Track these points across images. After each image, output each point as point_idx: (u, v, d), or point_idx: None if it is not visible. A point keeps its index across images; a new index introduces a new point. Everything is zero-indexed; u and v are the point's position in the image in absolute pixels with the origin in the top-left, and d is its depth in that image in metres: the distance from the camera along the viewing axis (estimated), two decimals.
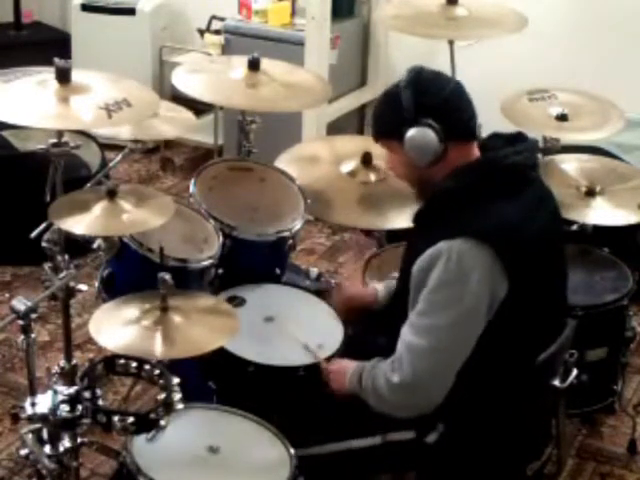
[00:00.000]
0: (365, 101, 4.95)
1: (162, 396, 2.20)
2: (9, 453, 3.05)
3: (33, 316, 2.22)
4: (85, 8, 5.15)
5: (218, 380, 2.53)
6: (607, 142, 3.74)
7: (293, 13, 4.68)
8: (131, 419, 2.15)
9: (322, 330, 2.63)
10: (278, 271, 2.89)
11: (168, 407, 2.19)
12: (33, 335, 2.23)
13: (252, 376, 2.45)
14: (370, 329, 2.67)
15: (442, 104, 2.28)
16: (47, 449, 2.20)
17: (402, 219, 2.84)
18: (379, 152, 2.55)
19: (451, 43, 3.38)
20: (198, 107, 3.36)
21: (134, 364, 2.29)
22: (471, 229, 2.20)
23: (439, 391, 2.23)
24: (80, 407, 2.17)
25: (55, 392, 2.18)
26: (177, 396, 2.21)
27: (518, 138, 2.38)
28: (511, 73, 4.32)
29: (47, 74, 2.43)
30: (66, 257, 2.53)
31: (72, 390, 2.18)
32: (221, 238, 2.77)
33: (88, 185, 2.81)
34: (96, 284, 2.76)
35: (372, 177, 3.07)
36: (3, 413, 3.19)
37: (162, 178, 4.95)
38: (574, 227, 3.08)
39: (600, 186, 3.13)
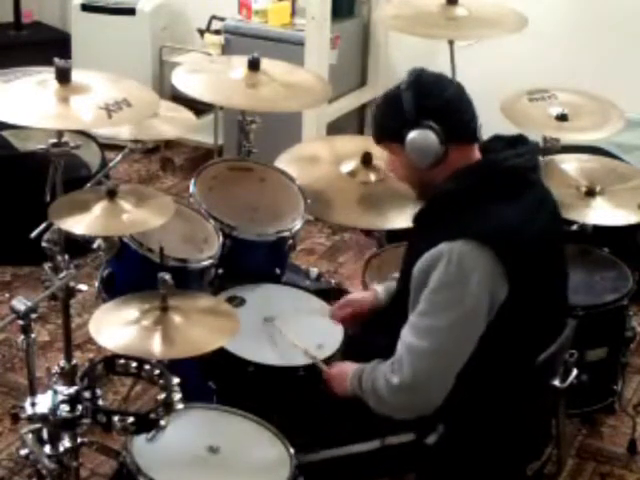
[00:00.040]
0: (365, 101, 4.95)
1: (162, 396, 2.20)
2: (9, 453, 3.05)
3: (33, 316, 2.22)
4: (85, 8, 5.15)
5: (218, 380, 2.53)
6: (607, 142, 3.74)
7: (293, 13, 4.68)
8: (131, 419, 2.15)
9: (322, 330, 2.63)
10: (278, 271, 2.89)
11: (168, 407, 2.19)
12: (33, 335, 2.23)
13: (252, 376, 2.45)
14: (370, 329, 2.67)
15: (443, 106, 2.28)
16: (47, 449, 2.20)
17: (402, 219, 2.84)
18: (379, 152, 2.55)
19: (451, 43, 3.37)
20: (198, 107, 3.36)
21: (134, 364, 2.29)
22: (472, 231, 2.20)
23: (439, 392, 2.23)
24: (80, 407, 2.17)
25: (55, 392, 2.18)
26: (177, 396, 2.21)
27: (519, 140, 2.37)
28: (511, 73, 4.32)
29: (47, 74, 2.43)
30: (66, 257, 2.53)
31: (72, 390, 2.18)
32: (221, 238, 2.77)
33: (88, 185, 2.81)
34: (96, 284, 2.77)
35: (372, 177, 3.07)
36: (3, 413, 3.19)
37: (162, 178, 4.95)
38: (574, 227, 3.08)
39: (600, 186, 3.14)
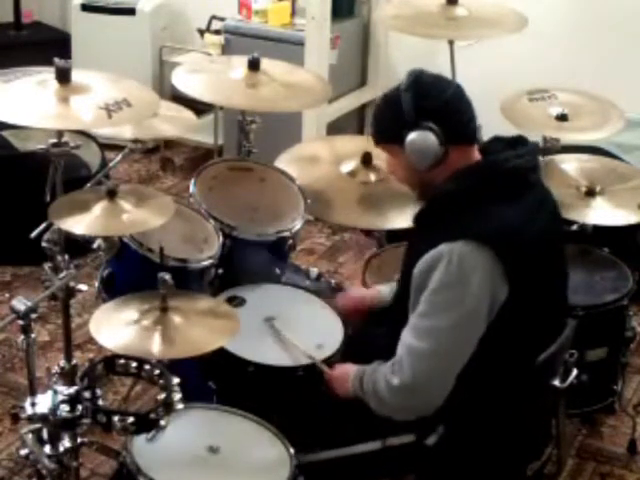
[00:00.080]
0: (365, 101, 4.95)
1: (162, 396, 2.20)
2: (9, 453, 3.05)
3: (33, 316, 2.22)
4: (85, 8, 5.15)
5: (218, 380, 2.53)
6: (607, 142, 3.74)
7: (293, 13, 4.68)
8: (131, 419, 2.15)
9: (322, 330, 2.63)
10: (278, 271, 2.89)
11: (168, 407, 2.19)
12: (33, 335, 2.23)
13: (252, 376, 2.45)
14: (370, 329, 2.67)
15: (442, 107, 2.28)
16: (47, 449, 2.20)
17: (402, 219, 2.84)
18: (379, 152, 2.55)
19: (451, 43, 3.37)
20: (198, 107, 3.36)
21: (134, 364, 2.29)
22: (472, 232, 2.20)
23: (439, 393, 2.23)
24: (80, 407, 2.17)
25: (55, 392, 2.18)
26: (177, 396, 2.21)
27: (519, 141, 2.37)
28: (511, 73, 4.32)
29: (47, 74, 2.43)
30: (66, 257, 2.53)
31: (72, 390, 2.18)
32: (221, 238, 2.77)
33: (88, 185, 2.81)
34: (96, 284, 2.76)
35: (372, 177, 3.07)
36: (3, 413, 3.19)
37: (162, 178, 4.95)
38: (574, 227, 3.08)
39: (600, 186, 3.13)
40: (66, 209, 2.38)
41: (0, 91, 2.39)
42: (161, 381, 2.24)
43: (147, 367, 2.28)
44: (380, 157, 2.78)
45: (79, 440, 2.23)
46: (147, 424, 2.17)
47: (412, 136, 2.27)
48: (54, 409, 2.16)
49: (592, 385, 2.97)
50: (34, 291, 3.43)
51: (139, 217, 2.39)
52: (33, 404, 2.18)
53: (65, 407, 2.17)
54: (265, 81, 3.01)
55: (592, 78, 4.02)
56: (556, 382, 2.45)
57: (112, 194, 2.39)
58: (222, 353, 2.37)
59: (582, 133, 3.18)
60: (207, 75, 3.13)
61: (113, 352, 2.24)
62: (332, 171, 3.13)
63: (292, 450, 2.26)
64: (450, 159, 2.29)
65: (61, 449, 2.21)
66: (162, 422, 2.18)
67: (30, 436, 2.19)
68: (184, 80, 3.00)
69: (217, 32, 4.91)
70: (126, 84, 2.55)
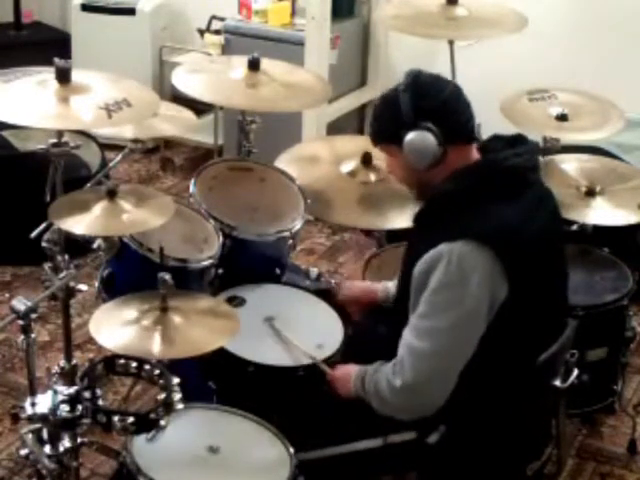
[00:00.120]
0: (365, 101, 4.95)
1: (162, 396, 2.20)
2: (9, 453, 3.05)
3: (33, 316, 2.22)
4: (85, 8, 5.15)
5: (218, 380, 2.53)
6: (607, 142, 3.74)
7: (293, 13, 4.68)
8: (131, 419, 2.15)
9: (322, 330, 2.63)
10: (278, 271, 2.89)
11: (168, 407, 2.19)
12: (33, 335, 2.23)
13: (252, 376, 2.45)
14: (371, 329, 2.67)
15: (440, 107, 2.28)
16: (47, 449, 2.20)
17: (402, 219, 2.84)
18: (379, 152, 2.55)
19: (451, 43, 3.37)
20: (198, 107, 3.36)
21: (134, 364, 2.29)
22: (471, 231, 2.20)
23: (441, 393, 2.23)
24: (80, 407, 2.17)
25: (55, 392, 2.18)
26: (177, 396, 2.21)
27: (518, 140, 2.37)
28: (511, 73, 4.32)
29: (47, 74, 2.43)
30: (66, 257, 2.53)
31: (72, 390, 2.18)
32: (221, 238, 2.77)
33: (88, 185, 2.81)
34: (96, 284, 2.76)
35: (372, 177, 3.07)
36: (3, 413, 3.19)
37: (162, 178, 4.95)
38: (574, 227, 3.08)
39: (600, 186, 3.13)
40: (66, 209, 2.38)
41: (0, 91, 2.39)
42: (161, 381, 2.24)
43: (147, 367, 2.28)
44: (380, 157, 2.78)
45: (79, 440, 2.23)
46: (147, 424, 2.17)
47: (410, 136, 2.27)
48: (54, 409, 2.16)
49: (592, 385, 2.97)
50: (34, 291, 3.43)
51: (139, 217, 2.38)
52: (33, 404, 2.18)
53: (65, 407, 2.17)
54: (265, 81, 3.00)
55: (592, 78, 4.02)
56: (557, 382, 2.45)
57: (112, 194, 2.39)
58: (222, 353, 2.37)
59: (582, 133, 3.18)
60: (207, 75, 3.13)
61: (113, 352, 2.24)
62: (332, 171, 3.13)
63: (292, 450, 2.26)
64: (449, 159, 2.29)
65: (61, 449, 2.21)
66: (162, 422, 2.18)
67: (30, 436, 2.19)
68: (184, 80, 3.00)
69: (217, 32, 4.91)
70: (126, 84, 2.55)
